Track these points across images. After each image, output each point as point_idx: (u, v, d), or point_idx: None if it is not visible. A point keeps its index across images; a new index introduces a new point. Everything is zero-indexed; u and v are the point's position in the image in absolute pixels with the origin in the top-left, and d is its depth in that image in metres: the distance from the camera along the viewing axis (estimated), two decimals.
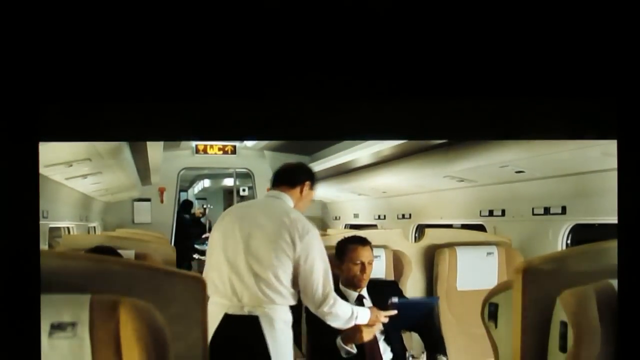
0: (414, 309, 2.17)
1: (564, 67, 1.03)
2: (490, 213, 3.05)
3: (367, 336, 2.02)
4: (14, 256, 0.97)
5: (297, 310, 2.61)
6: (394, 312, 2.05)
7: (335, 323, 1.97)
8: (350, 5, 0.97)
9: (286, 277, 1.91)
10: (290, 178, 2.03)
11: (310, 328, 2.22)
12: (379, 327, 2.05)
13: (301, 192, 2.04)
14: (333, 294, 1.94)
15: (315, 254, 1.91)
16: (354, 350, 2.04)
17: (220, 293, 1.91)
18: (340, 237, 2.30)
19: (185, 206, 6.49)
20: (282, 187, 2.02)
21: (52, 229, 3.73)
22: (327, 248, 2.37)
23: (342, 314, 1.96)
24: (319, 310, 1.94)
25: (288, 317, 1.96)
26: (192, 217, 6.83)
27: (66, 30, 0.98)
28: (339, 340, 2.05)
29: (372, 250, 2.22)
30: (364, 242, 2.21)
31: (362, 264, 2.18)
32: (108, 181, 4.14)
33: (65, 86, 1.00)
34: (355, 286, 2.20)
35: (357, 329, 2.01)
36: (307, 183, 2.05)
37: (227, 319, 1.90)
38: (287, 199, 2.01)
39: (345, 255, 2.20)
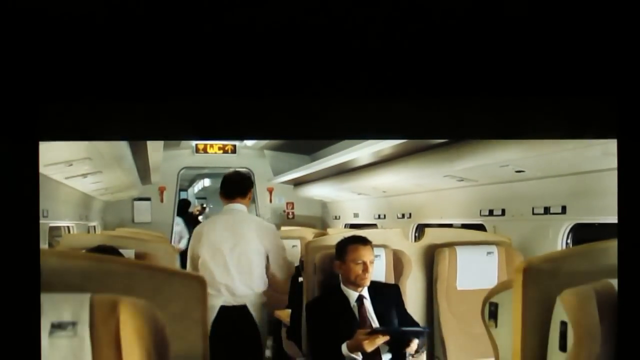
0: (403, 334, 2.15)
1: (564, 66, 1.02)
2: (490, 212, 3.05)
3: (369, 347, 2.02)
4: (14, 256, 0.97)
5: (298, 311, 2.62)
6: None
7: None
8: (351, 4, 0.96)
9: (262, 269, 2.55)
10: (243, 190, 2.61)
11: (310, 328, 2.23)
12: (384, 337, 2.04)
13: (249, 197, 2.64)
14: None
15: (277, 243, 2.58)
16: (359, 358, 2.05)
17: (215, 289, 2.48)
18: (340, 237, 2.30)
19: (181, 206, 6.48)
20: (238, 199, 2.60)
21: (52, 228, 3.73)
22: (327, 248, 2.39)
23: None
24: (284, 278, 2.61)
25: (263, 299, 2.57)
26: (189, 216, 6.82)
27: (66, 30, 0.98)
28: (344, 348, 2.05)
29: (372, 249, 2.22)
30: (364, 241, 2.21)
31: (364, 263, 2.18)
32: (108, 180, 4.13)
33: (64, 86, 1.00)
34: (356, 285, 2.20)
35: (361, 339, 2.02)
36: (251, 188, 2.66)
37: (222, 310, 2.47)
38: (244, 208, 2.61)
39: (346, 255, 2.20)
